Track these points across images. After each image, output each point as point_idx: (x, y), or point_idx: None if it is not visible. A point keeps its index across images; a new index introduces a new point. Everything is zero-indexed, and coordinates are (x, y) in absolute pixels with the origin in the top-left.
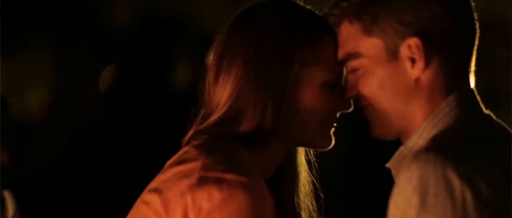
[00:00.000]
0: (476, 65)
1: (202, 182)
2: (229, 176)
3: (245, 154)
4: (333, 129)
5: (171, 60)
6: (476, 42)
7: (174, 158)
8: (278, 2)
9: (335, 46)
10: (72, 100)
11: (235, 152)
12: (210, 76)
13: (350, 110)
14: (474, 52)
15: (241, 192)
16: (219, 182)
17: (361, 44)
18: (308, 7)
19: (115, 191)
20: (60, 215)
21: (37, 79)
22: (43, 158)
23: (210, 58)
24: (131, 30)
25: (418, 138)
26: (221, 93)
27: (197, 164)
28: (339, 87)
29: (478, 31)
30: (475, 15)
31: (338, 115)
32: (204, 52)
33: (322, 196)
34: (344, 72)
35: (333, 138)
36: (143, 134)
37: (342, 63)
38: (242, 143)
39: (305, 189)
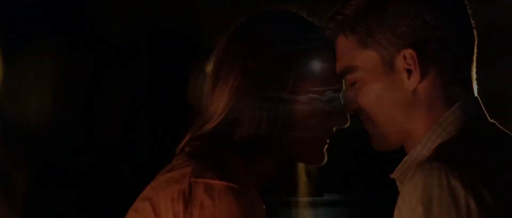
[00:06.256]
0: (480, 72)
1: (192, 188)
2: (219, 182)
3: (236, 161)
4: (326, 146)
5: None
6: (475, 50)
7: (167, 166)
8: (278, 13)
9: (333, 60)
10: (72, 106)
11: (226, 159)
12: (208, 85)
13: (347, 125)
14: (474, 60)
15: (232, 198)
16: (209, 189)
17: (357, 57)
18: (310, 19)
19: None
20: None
21: (36, 84)
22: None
23: (209, 67)
24: (132, 37)
25: (422, 148)
26: (218, 103)
27: (187, 170)
28: (336, 102)
29: (476, 38)
30: (473, 23)
31: (334, 129)
32: (204, 59)
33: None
34: (343, 87)
35: (325, 154)
36: (142, 139)
37: (339, 77)
38: (234, 151)
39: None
